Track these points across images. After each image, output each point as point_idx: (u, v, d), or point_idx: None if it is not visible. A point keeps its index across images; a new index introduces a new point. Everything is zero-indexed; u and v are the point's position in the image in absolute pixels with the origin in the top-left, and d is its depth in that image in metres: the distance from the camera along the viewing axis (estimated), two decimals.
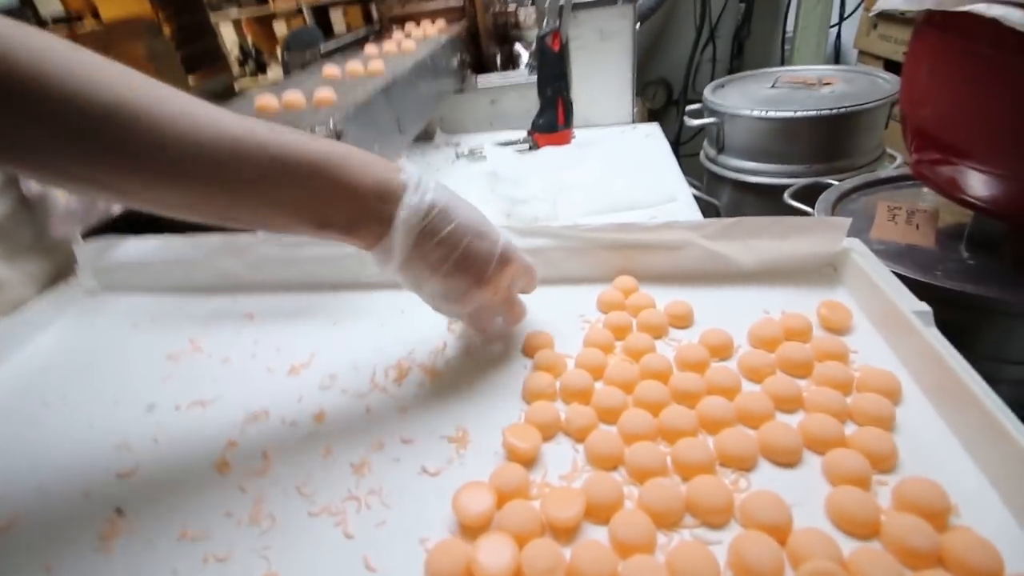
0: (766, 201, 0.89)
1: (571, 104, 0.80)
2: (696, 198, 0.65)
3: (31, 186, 0.55)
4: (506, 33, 1.05)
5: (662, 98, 1.62)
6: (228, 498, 0.33)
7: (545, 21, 0.75)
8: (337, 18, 4.29)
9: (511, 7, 1.04)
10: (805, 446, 0.30)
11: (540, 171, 0.71)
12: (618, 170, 0.71)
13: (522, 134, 0.85)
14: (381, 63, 0.67)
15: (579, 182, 0.69)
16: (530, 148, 0.82)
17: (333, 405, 0.39)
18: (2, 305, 0.52)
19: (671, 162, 0.74)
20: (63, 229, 0.43)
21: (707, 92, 0.98)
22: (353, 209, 0.31)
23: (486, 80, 0.93)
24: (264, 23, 4.13)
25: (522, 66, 1.04)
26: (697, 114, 0.99)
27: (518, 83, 0.91)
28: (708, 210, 0.68)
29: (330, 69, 0.70)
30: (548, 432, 0.33)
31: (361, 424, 0.37)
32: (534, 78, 0.81)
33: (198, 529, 0.31)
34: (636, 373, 0.36)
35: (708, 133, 1.02)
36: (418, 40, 0.87)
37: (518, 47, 1.12)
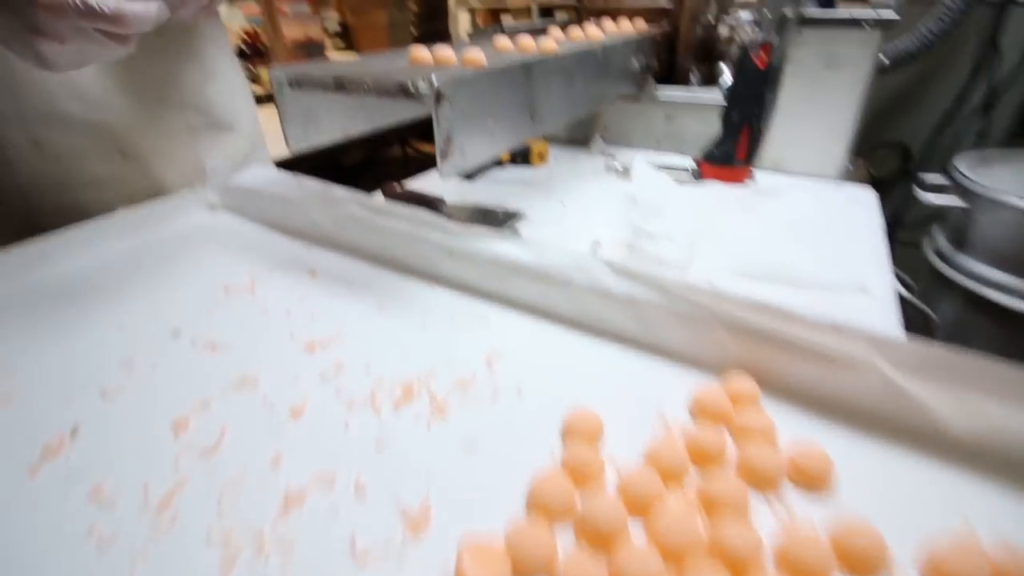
0: (1014, 333, 0.63)
1: (760, 136, 0.64)
2: (901, 299, 0.46)
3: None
4: (711, 49, 0.91)
5: (893, 165, 1.31)
6: (159, 468, 0.28)
7: (755, 31, 0.60)
8: (560, 17, 4.41)
9: (728, 23, 0.90)
10: None
11: (691, 207, 0.57)
12: (795, 231, 0.54)
13: (688, 160, 0.71)
14: (555, 44, 0.60)
15: (734, 233, 0.54)
16: (693, 177, 0.68)
17: (318, 403, 0.32)
18: (139, 191, 0.57)
19: (877, 241, 0.54)
20: None
21: (961, 163, 0.73)
22: None
23: (667, 92, 0.80)
24: (495, 14, 4.44)
25: (719, 88, 0.89)
26: (937, 189, 0.75)
27: (703, 102, 0.77)
28: (914, 320, 0.48)
29: (502, 40, 0.65)
30: (527, 574, 0.22)
31: (329, 443, 0.29)
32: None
33: (108, 490, 0.27)
34: (702, 541, 0.23)
35: (947, 219, 0.76)
36: (610, 34, 0.78)
37: (723, 67, 0.96)
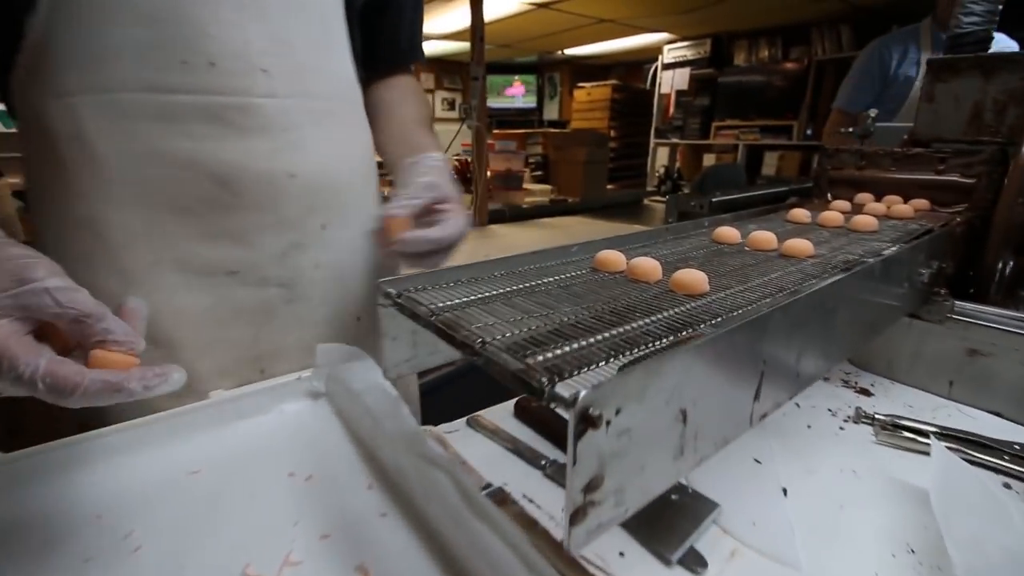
0: None
1: None
2: None
3: None
4: None
5: None
6: None
7: None
8: (770, 161, 4.10)
9: None
10: None
11: None
12: None
13: (1009, 425, 0.41)
14: (810, 245, 0.41)
15: None
16: None
17: None
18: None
19: None
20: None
21: None
22: None
23: (973, 311, 0.52)
24: (696, 152, 4.37)
25: None
26: None
27: None
28: None
29: (726, 231, 0.48)
30: None
31: None
32: None
33: None
34: None
35: None
36: (878, 216, 0.56)
37: None
